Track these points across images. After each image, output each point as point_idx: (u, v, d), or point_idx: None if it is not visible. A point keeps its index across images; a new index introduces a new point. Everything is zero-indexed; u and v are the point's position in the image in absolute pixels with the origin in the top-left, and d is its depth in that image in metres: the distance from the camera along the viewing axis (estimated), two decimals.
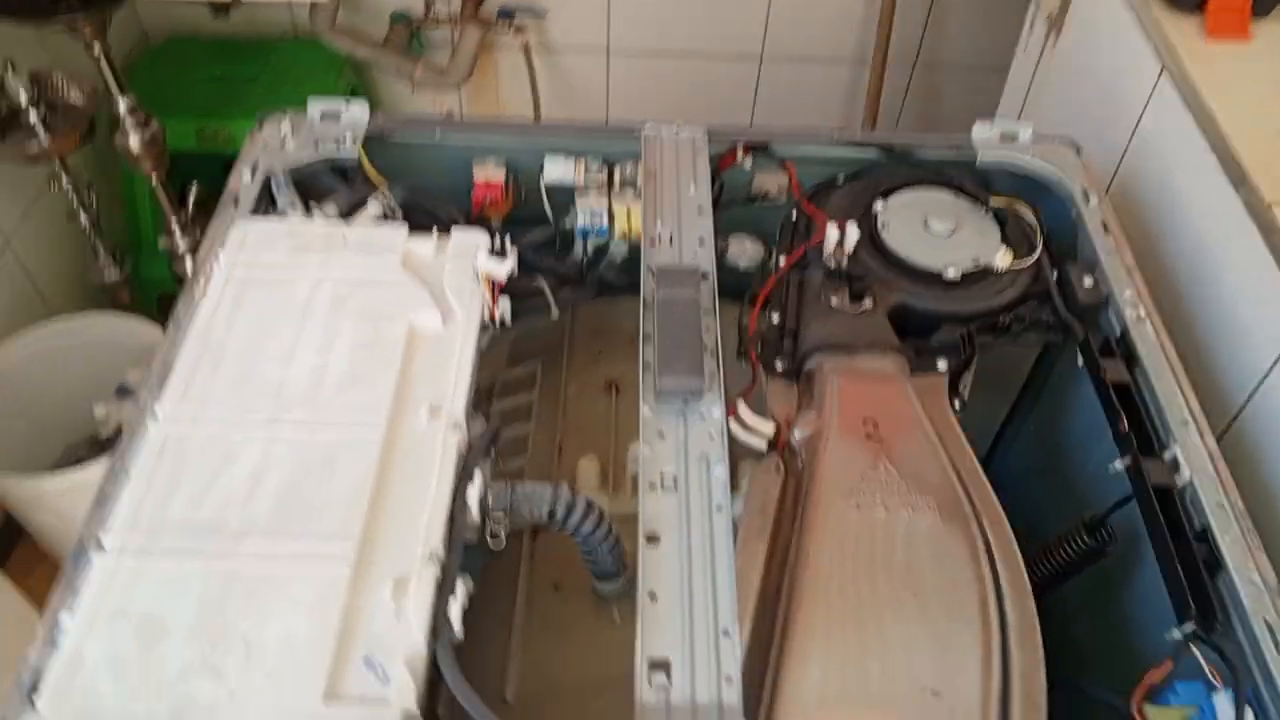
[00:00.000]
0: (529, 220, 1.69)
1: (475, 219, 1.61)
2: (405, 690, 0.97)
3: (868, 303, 1.44)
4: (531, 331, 1.86)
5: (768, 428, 1.31)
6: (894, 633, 1.08)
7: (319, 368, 1.24)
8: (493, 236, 1.43)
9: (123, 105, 2.38)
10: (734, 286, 1.70)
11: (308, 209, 1.46)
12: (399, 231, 1.40)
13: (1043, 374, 1.70)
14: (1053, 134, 1.67)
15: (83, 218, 2.54)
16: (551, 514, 1.19)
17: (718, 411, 1.21)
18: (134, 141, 2.41)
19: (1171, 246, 1.65)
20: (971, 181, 1.62)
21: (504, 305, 1.35)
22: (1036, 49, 2.21)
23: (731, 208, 1.73)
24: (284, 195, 1.47)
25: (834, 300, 1.45)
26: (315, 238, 1.39)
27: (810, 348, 1.38)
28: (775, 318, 1.47)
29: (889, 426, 1.27)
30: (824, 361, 1.37)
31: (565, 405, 1.67)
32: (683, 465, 1.16)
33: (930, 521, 1.17)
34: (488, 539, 1.19)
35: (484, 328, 1.34)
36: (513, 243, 1.57)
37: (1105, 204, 1.56)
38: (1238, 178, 1.49)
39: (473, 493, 1.12)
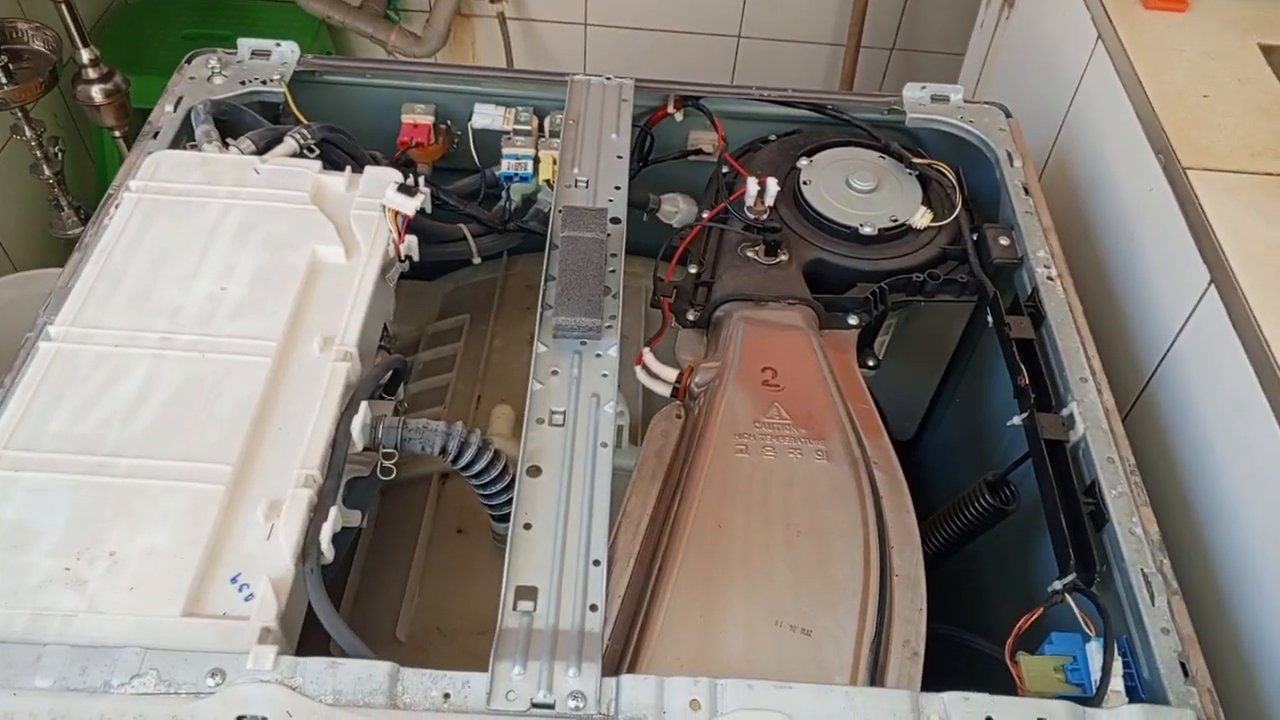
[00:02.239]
0: (458, 169, 1.68)
1: (398, 162, 1.60)
2: (266, 607, 0.96)
3: (783, 256, 1.44)
4: (466, 285, 1.86)
5: (671, 374, 1.31)
6: (767, 571, 1.08)
7: (217, 294, 1.23)
8: (408, 176, 1.43)
9: (85, 55, 2.35)
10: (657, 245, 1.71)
11: (226, 144, 1.45)
12: (311, 166, 1.39)
13: (969, 344, 1.70)
14: (985, 99, 1.67)
15: (46, 170, 2.51)
16: (444, 450, 1.18)
17: (613, 352, 1.21)
18: (96, 92, 2.38)
19: (1098, 214, 1.66)
20: (899, 143, 1.61)
21: (410, 241, 1.34)
22: (992, 24, 2.21)
23: (663, 163, 1.73)
24: (201, 127, 1.46)
25: (750, 253, 1.45)
26: (226, 169, 1.38)
27: (721, 297, 1.38)
28: (694, 269, 1.46)
29: (789, 375, 1.27)
30: (733, 311, 1.36)
31: (488, 357, 1.66)
32: (572, 403, 1.15)
33: (816, 466, 1.17)
34: (378, 474, 1.19)
35: (390, 263, 1.33)
36: (439, 189, 1.58)
37: (1028, 166, 1.56)
38: (1159, 144, 1.49)
39: (357, 423, 1.12)
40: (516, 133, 1.62)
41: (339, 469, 1.09)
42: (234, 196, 1.35)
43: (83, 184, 2.69)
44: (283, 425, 1.11)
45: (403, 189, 1.34)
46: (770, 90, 1.66)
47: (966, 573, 1.14)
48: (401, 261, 1.35)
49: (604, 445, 1.11)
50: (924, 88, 1.65)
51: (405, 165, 1.61)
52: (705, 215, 1.53)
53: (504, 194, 1.59)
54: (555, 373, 1.18)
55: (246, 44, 1.62)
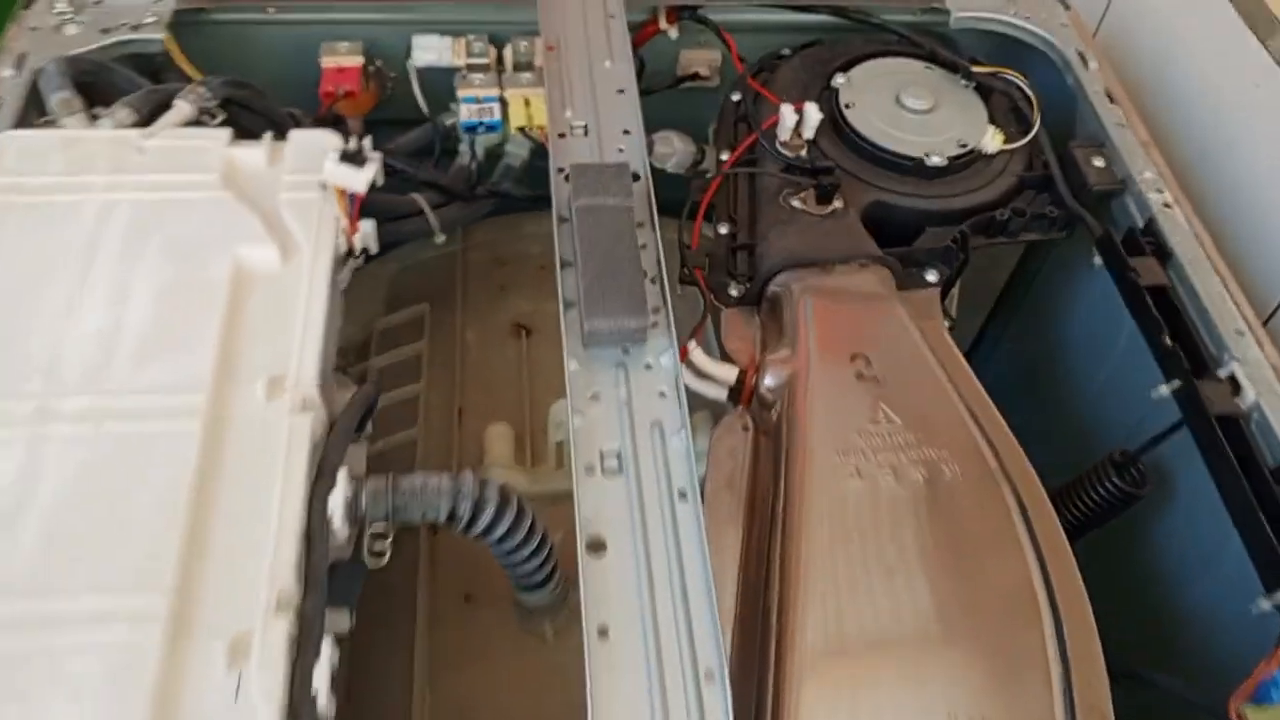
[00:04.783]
0: (400, 122, 1.33)
1: (325, 119, 1.25)
2: None
3: (837, 202, 1.14)
4: (416, 264, 1.52)
5: (729, 373, 1.01)
6: (922, 648, 0.81)
7: (109, 330, 0.88)
8: (347, 138, 1.09)
9: None
10: (663, 196, 1.40)
11: (94, 115, 1.08)
12: (216, 136, 1.04)
13: (1030, 273, 1.44)
14: None
15: None
16: (453, 515, 0.87)
17: (669, 359, 0.91)
18: None
19: (1176, 116, 1.39)
20: (946, 49, 1.32)
21: (366, 228, 1.00)
22: None
23: (654, 94, 1.40)
24: (57, 95, 1.08)
25: (796, 202, 1.15)
26: (100, 150, 1.01)
27: (774, 264, 1.08)
28: (725, 229, 1.16)
29: (884, 361, 0.99)
30: (792, 281, 1.07)
31: (463, 356, 1.34)
32: (628, 437, 0.85)
33: (949, 486, 0.90)
34: (366, 556, 0.87)
35: (341, 260, 1.00)
36: (377, 148, 1.23)
37: (1106, 68, 1.28)
38: (1265, 26, 1.23)
39: (337, 499, 0.80)
40: (471, 69, 1.28)
41: (321, 574, 0.77)
42: (115, 188, 0.99)
43: None
44: (231, 519, 0.78)
45: (346, 157, 1.00)
46: None
47: (1103, 583, 0.89)
48: (356, 256, 1.02)
49: (683, 497, 0.81)
50: None
51: (334, 123, 1.25)
52: (727, 157, 1.22)
53: (468, 149, 1.25)
54: (596, 397, 0.88)
55: None
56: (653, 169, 1.42)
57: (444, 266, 1.49)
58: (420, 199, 1.23)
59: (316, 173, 1.01)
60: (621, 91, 1.14)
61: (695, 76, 1.41)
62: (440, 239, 1.25)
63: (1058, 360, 1.39)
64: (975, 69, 1.25)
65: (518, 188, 1.25)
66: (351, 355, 1.41)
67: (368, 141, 1.05)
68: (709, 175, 1.47)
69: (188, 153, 1.02)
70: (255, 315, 0.92)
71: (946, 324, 1.18)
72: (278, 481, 0.80)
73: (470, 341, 1.37)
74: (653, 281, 0.96)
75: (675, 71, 1.42)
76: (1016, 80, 1.24)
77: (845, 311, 1.03)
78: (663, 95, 1.41)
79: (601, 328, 0.89)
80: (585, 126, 1.10)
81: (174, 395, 0.84)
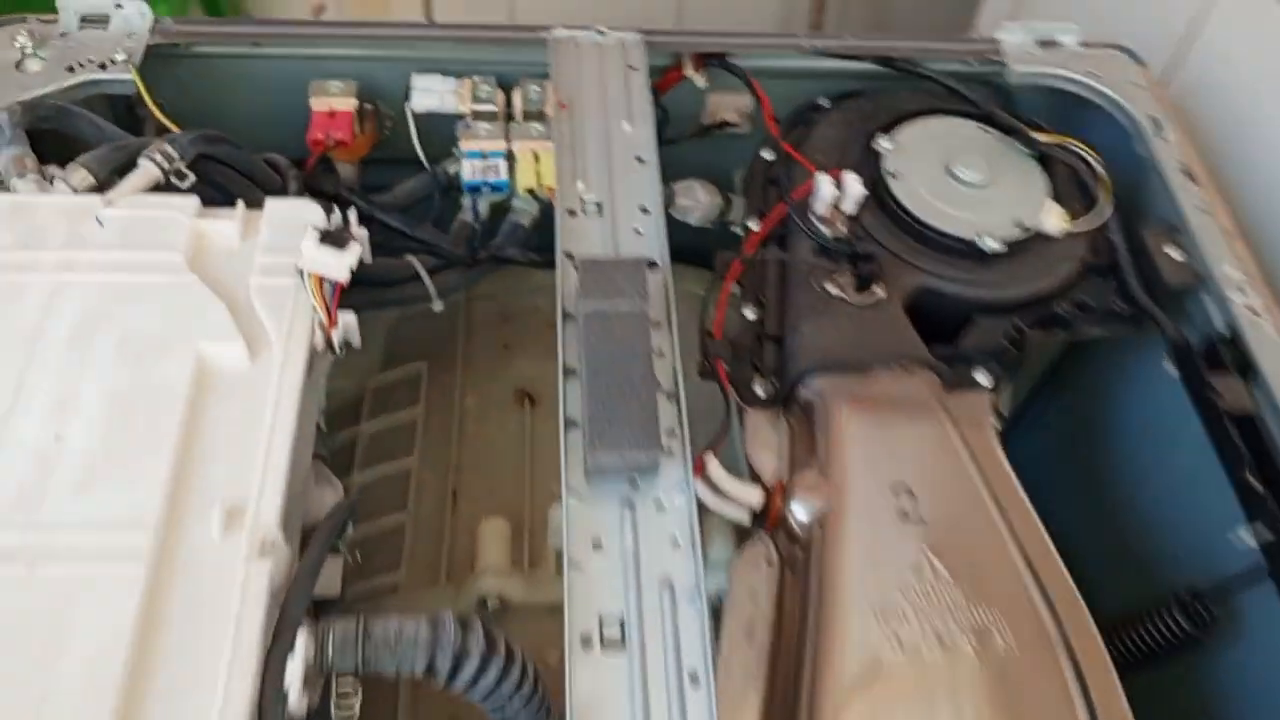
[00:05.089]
0: (398, 162, 1.21)
1: (314, 170, 1.13)
2: None
3: (879, 290, 1.02)
4: (416, 313, 1.39)
5: (751, 495, 0.90)
6: None
7: (48, 449, 0.77)
8: (335, 203, 0.97)
9: None
10: (682, 245, 1.29)
11: (48, 176, 0.96)
12: (184, 206, 0.92)
13: (1086, 352, 1.31)
14: (1104, 42, 1.24)
15: None
16: (431, 670, 0.76)
17: (684, 500, 0.79)
18: None
19: (1259, 200, 1.24)
20: (1002, 106, 1.19)
21: (347, 321, 0.89)
22: None
23: (677, 143, 1.28)
24: (8, 151, 0.96)
25: (832, 287, 1.03)
26: (51, 221, 0.90)
27: (806, 365, 0.96)
28: (751, 313, 1.04)
29: (930, 494, 0.87)
30: (826, 387, 0.95)
31: (461, 426, 1.23)
32: (633, 600, 0.74)
33: (1004, 658, 0.78)
34: (332, 711, 0.77)
35: (319, 358, 0.88)
36: (372, 207, 1.11)
37: (1185, 139, 1.15)
38: None
39: (295, 671, 0.69)
40: (477, 116, 1.16)
41: None
42: (67, 267, 0.87)
43: None
44: (171, 691, 0.68)
45: (327, 238, 0.88)
46: (820, 40, 1.21)
47: None
48: (336, 352, 0.90)
49: (694, 681, 0.70)
50: (1025, 27, 1.22)
51: (322, 170, 1.14)
52: (755, 225, 1.10)
53: (470, 211, 1.13)
54: (598, 545, 0.76)
55: (70, 5, 1.11)
56: (673, 219, 1.32)
57: (445, 318, 1.36)
58: (417, 263, 1.11)
59: (294, 251, 0.89)
60: (641, 160, 1.02)
61: (724, 125, 1.29)
62: (438, 307, 1.13)
63: (1111, 458, 1.26)
64: (1038, 137, 1.12)
65: (523, 253, 1.13)
66: (344, 410, 1.30)
67: (353, 215, 0.94)
68: (733, 226, 1.36)
69: (151, 226, 0.91)
70: (216, 426, 0.81)
71: (997, 425, 1.07)
72: (227, 644, 0.69)
73: (469, 409, 1.25)
74: (669, 398, 0.85)
75: (701, 118, 1.29)
76: (1085, 154, 1.11)
77: (887, 430, 0.91)
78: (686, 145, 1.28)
79: (607, 462, 0.77)
80: (599, 204, 0.98)
81: (117, 532, 0.73)
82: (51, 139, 1.03)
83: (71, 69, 1.06)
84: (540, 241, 1.18)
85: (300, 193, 1.05)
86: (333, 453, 1.27)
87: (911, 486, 0.87)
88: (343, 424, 1.29)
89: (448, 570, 1.09)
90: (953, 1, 2.52)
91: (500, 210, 1.17)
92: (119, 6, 1.11)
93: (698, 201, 1.30)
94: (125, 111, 1.16)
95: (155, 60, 1.11)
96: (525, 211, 1.16)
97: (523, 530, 1.10)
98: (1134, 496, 1.18)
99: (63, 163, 0.98)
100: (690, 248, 1.38)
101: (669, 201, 1.30)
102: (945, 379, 0.98)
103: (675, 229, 1.29)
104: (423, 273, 1.11)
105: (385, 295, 1.11)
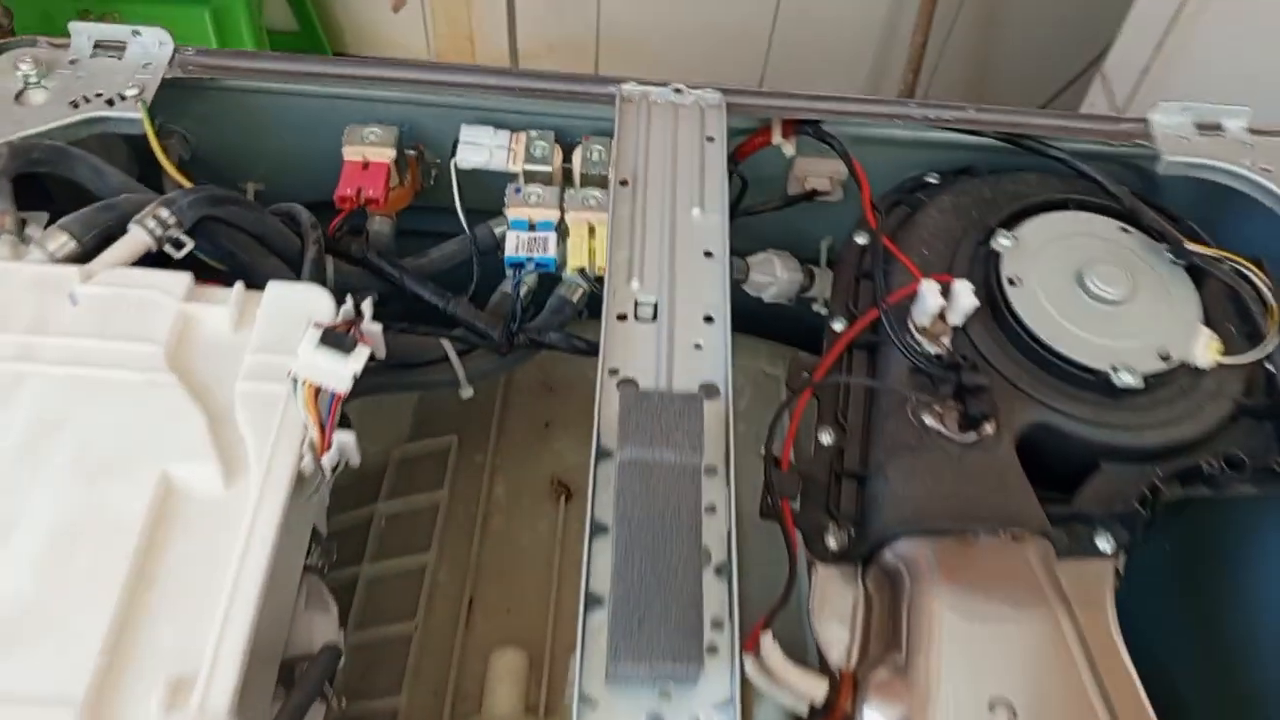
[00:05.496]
0: (443, 210, 1.07)
1: (339, 230, 0.99)
2: None
3: (988, 429, 0.85)
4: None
5: (813, 688, 0.73)
6: None
7: None
8: (362, 265, 0.84)
9: None
10: (758, 313, 1.14)
11: (26, 235, 0.84)
12: (174, 284, 0.79)
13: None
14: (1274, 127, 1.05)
15: None
16: None
17: (729, 714, 0.63)
18: None
19: None
20: (1145, 197, 1.01)
21: (343, 442, 0.75)
22: None
23: (757, 213, 1.12)
24: None
25: (929, 418, 0.85)
26: (20, 294, 0.78)
27: (893, 524, 0.79)
28: (828, 437, 0.87)
29: (1035, 710, 0.70)
30: (917, 555, 0.78)
31: (486, 519, 1.08)
32: None
33: None
34: None
35: (310, 482, 0.75)
36: (405, 277, 0.97)
37: None
38: None
39: None
40: (529, 177, 1.01)
41: None
42: (29, 355, 0.75)
43: None
44: None
45: (330, 339, 0.74)
46: (934, 109, 1.03)
47: None
48: (330, 474, 0.76)
49: None
50: (1185, 107, 1.03)
51: (346, 235, 1.00)
52: (840, 326, 0.93)
53: (513, 288, 0.98)
54: None
55: (84, 30, 0.99)
56: (746, 293, 1.16)
57: (484, 388, 1.23)
58: (448, 346, 0.97)
59: (291, 348, 0.75)
60: (709, 255, 0.85)
61: (813, 194, 1.12)
62: (466, 394, 0.99)
63: (1239, 602, 1.07)
64: (1194, 248, 0.93)
65: (567, 339, 0.98)
66: (368, 479, 1.17)
67: (368, 305, 0.79)
68: (815, 305, 1.20)
69: (131, 308, 0.78)
70: (172, 573, 0.67)
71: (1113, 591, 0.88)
72: None
73: (498, 499, 1.11)
74: (719, 574, 0.69)
75: (786, 185, 1.13)
76: (1250, 272, 0.92)
77: (988, 627, 0.74)
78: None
79: (633, 674, 0.62)
80: (654, 306, 0.82)
81: (38, 709, 0.60)
82: (46, 185, 0.91)
83: (76, 103, 0.94)
84: (594, 313, 1.03)
85: (319, 258, 0.92)
86: (346, 531, 1.14)
87: (1013, 702, 0.70)
88: (363, 495, 1.16)
89: (453, 700, 0.94)
90: (1056, 64, 2.32)
91: (545, 288, 1.02)
92: (136, 34, 0.98)
93: (775, 278, 1.15)
94: (146, 149, 1.04)
95: (178, 91, 0.99)
96: (576, 285, 1.01)
97: (542, 661, 0.96)
98: (1262, 648, 0.99)
99: (73, 207, 0.86)
100: (767, 317, 1.23)
101: (742, 277, 1.14)
102: (1060, 548, 0.81)
103: (746, 300, 1.15)
104: (453, 356, 0.97)
105: (409, 378, 0.98)
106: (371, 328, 0.78)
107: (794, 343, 1.37)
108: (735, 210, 1.09)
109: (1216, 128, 1.03)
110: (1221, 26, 1.52)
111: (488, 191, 1.03)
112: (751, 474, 0.83)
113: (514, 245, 0.95)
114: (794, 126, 1.03)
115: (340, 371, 0.73)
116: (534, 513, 1.10)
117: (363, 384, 0.86)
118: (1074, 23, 2.39)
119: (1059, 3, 2.44)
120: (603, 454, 0.73)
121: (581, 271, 0.96)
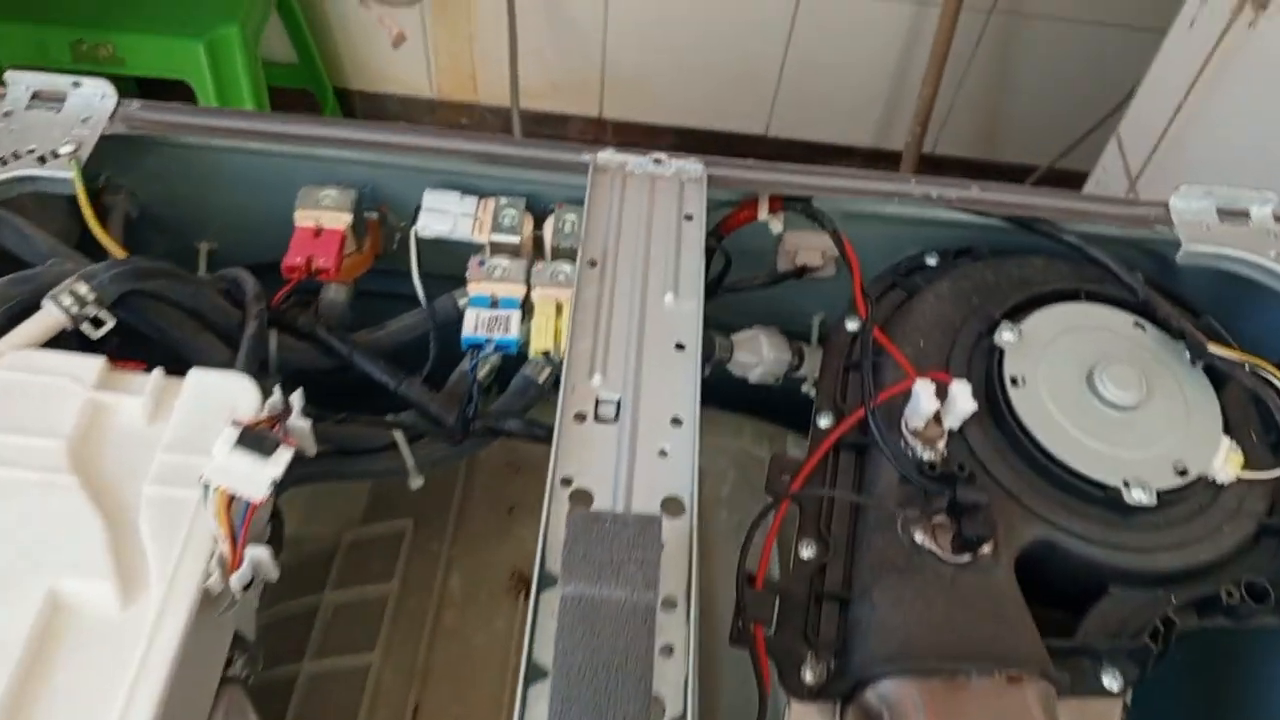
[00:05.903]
0: (405, 274, 0.99)
1: (286, 301, 0.92)
2: None
3: (986, 550, 0.76)
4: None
5: None
6: None
7: None
8: (309, 341, 0.77)
9: None
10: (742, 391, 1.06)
11: None
12: (85, 369, 0.71)
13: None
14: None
15: None
16: None
17: None
18: None
19: None
20: (1161, 287, 0.93)
21: (257, 558, 0.66)
22: (1214, 29, 1.48)
23: (742, 291, 1.04)
24: None
25: (920, 534, 0.77)
26: None
27: (877, 661, 0.71)
28: (808, 552, 0.79)
29: None
30: (902, 697, 0.69)
31: (438, 616, 1.00)
32: None
33: None
34: None
35: (218, 600, 0.66)
36: (348, 342, 0.90)
37: None
38: None
39: None
40: (495, 249, 0.94)
41: None
42: None
43: None
44: None
45: (248, 439, 0.66)
46: (936, 187, 0.96)
47: None
48: (237, 599, 0.68)
49: None
50: (1208, 192, 0.95)
51: (298, 305, 0.93)
52: (826, 422, 0.85)
53: (469, 371, 0.90)
54: None
55: (21, 80, 0.92)
56: (729, 373, 1.09)
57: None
58: (399, 436, 0.89)
59: (209, 447, 0.67)
60: (681, 348, 0.77)
61: (803, 271, 1.04)
62: (415, 484, 0.91)
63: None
64: (1217, 351, 0.85)
65: (528, 427, 0.90)
66: (313, 569, 1.09)
67: (298, 399, 0.71)
68: (805, 386, 1.12)
69: (36, 397, 0.70)
70: (57, 699, 0.59)
71: None
72: None
73: (452, 593, 1.02)
74: None
75: (775, 261, 1.05)
76: (1274, 376, 0.84)
77: None
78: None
79: None
80: (617, 405, 0.74)
81: None
82: None
83: (4, 160, 0.87)
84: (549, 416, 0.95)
85: (259, 336, 0.85)
86: (291, 619, 1.06)
87: None
88: (310, 581, 1.08)
89: None
90: (1068, 119, 2.26)
91: (507, 372, 0.95)
92: (77, 85, 0.91)
93: (761, 359, 1.07)
94: (58, 228, 0.96)
95: (128, 144, 0.92)
96: (543, 366, 0.93)
97: None
98: None
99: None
100: (751, 395, 1.16)
101: (726, 357, 1.06)
102: (1062, 688, 0.72)
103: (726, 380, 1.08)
104: (403, 445, 0.89)
105: (354, 466, 0.90)
106: (299, 424, 0.70)
107: (782, 418, 1.29)
108: (718, 288, 1.02)
109: (1242, 214, 0.95)
110: (1241, 92, 1.45)
111: (454, 256, 0.96)
112: (732, 572, 0.75)
113: (473, 324, 0.87)
114: (782, 202, 0.95)
115: (257, 477, 0.65)
116: (490, 609, 1.01)
117: (302, 472, 0.79)
118: (1088, 77, 2.33)
119: (1072, 57, 2.39)
120: (547, 581, 0.64)
121: (546, 355, 0.88)
